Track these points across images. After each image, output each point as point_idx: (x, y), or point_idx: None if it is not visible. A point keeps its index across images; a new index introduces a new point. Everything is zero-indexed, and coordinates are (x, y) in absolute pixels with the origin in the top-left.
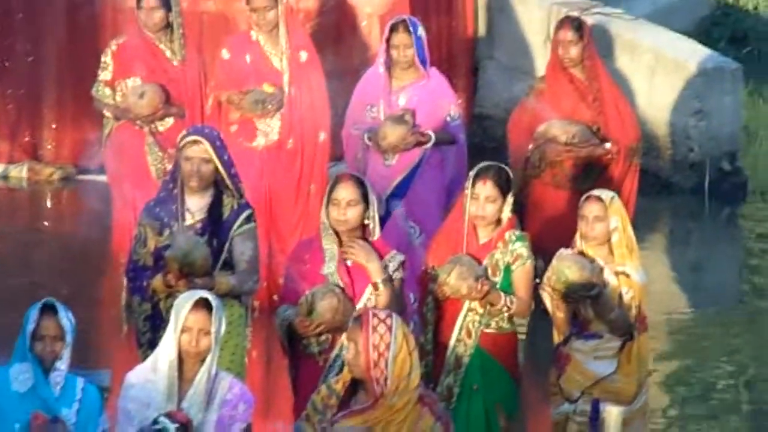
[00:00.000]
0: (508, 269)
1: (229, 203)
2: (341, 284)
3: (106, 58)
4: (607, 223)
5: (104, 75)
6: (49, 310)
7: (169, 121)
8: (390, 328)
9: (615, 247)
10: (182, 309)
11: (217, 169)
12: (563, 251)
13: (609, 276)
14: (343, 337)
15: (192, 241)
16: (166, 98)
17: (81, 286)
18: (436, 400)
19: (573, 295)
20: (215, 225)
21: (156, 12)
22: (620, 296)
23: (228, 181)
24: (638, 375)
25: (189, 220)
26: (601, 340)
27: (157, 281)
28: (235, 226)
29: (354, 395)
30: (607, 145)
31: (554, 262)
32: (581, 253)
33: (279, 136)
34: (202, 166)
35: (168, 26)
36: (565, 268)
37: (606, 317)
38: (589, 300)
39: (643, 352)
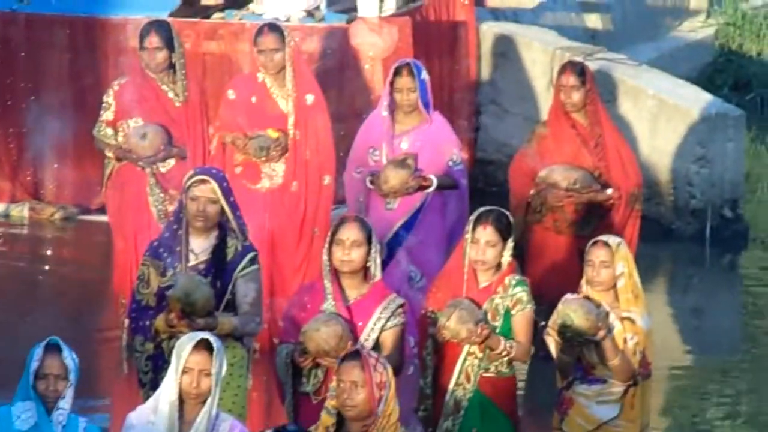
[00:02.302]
0: (507, 314)
1: (233, 245)
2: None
3: (108, 98)
4: (613, 269)
5: (106, 115)
6: (53, 348)
7: (171, 162)
8: (385, 367)
9: (621, 293)
10: (183, 350)
11: (222, 210)
12: (569, 296)
13: (614, 321)
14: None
15: (195, 282)
16: (168, 139)
17: (83, 326)
18: None
19: (578, 339)
20: (219, 266)
21: (159, 52)
22: (625, 341)
23: (233, 223)
24: (641, 420)
25: (192, 261)
26: (605, 385)
27: (160, 321)
28: (238, 268)
29: None
30: (609, 190)
31: (560, 306)
32: (587, 298)
33: (283, 180)
34: (208, 206)
35: (171, 67)
36: (570, 312)
37: (610, 362)
38: (593, 345)
39: (646, 398)
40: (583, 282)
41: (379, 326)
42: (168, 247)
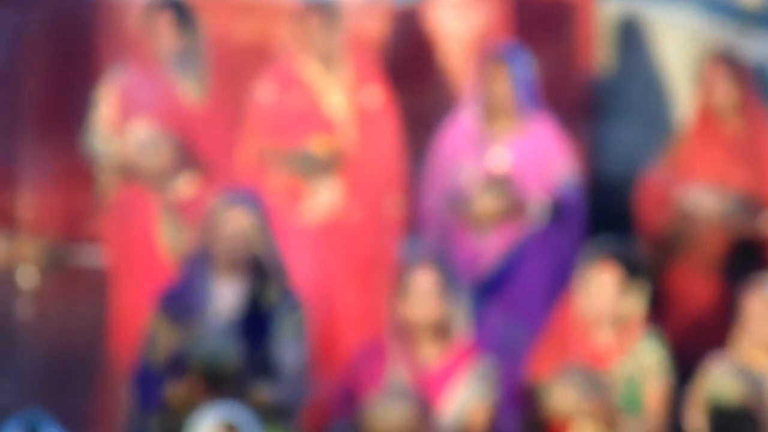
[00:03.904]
0: (635, 384)
1: (270, 292)
2: (414, 393)
3: (102, 98)
4: None
5: (102, 112)
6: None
7: (189, 184)
8: None
9: None
10: None
11: (257, 246)
12: (715, 359)
13: None
14: None
15: (220, 342)
16: (183, 150)
17: (71, 401)
18: None
19: (728, 419)
20: (252, 320)
21: (170, 35)
22: None
23: (270, 264)
24: None
25: (218, 313)
26: None
27: (175, 391)
28: (278, 322)
29: None
30: None
31: (706, 374)
32: (739, 361)
33: (336, 207)
34: (240, 242)
35: (185, 54)
36: (717, 381)
37: None
38: (750, 426)
39: None
40: (734, 339)
41: (466, 402)
42: (186, 296)
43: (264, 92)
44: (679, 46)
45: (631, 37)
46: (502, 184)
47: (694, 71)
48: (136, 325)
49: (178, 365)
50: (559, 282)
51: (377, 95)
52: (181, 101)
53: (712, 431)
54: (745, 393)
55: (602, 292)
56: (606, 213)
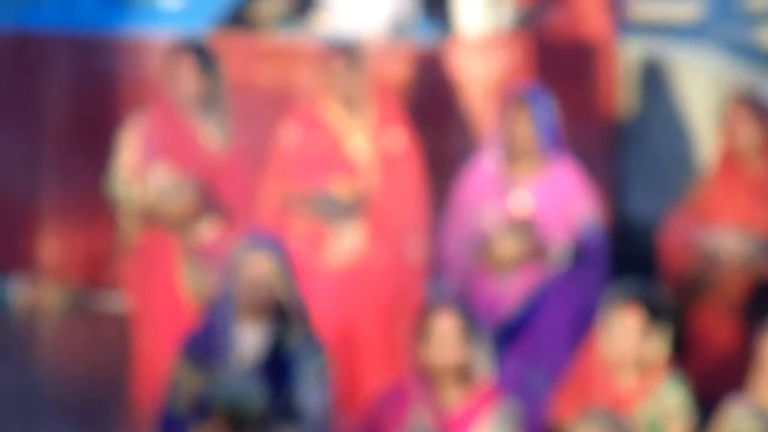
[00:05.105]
0: (657, 425)
1: (293, 336)
2: None
3: (124, 142)
4: None
5: (122, 165)
6: None
7: (211, 228)
8: None
9: None
10: None
11: (279, 291)
12: (735, 401)
13: None
14: None
15: (244, 386)
16: (205, 195)
17: None
18: None
19: None
20: (275, 364)
21: (191, 79)
22: None
23: (293, 308)
24: None
25: (241, 357)
26: None
27: None
28: (300, 366)
29: None
30: None
31: (723, 415)
32: (757, 403)
33: (359, 251)
34: (262, 286)
35: (207, 99)
36: (735, 424)
37: None
38: None
39: None
40: (752, 381)
41: None
42: (209, 341)
43: (287, 135)
44: (701, 88)
45: (653, 79)
46: (524, 227)
47: (717, 113)
48: (159, 370)
49: (201, 410)
50: (581, 325)
51: (400, 138)
52: (203, 145)
53: None
54: (761, 429)
55: (625, 335)
56: (629, 256)
